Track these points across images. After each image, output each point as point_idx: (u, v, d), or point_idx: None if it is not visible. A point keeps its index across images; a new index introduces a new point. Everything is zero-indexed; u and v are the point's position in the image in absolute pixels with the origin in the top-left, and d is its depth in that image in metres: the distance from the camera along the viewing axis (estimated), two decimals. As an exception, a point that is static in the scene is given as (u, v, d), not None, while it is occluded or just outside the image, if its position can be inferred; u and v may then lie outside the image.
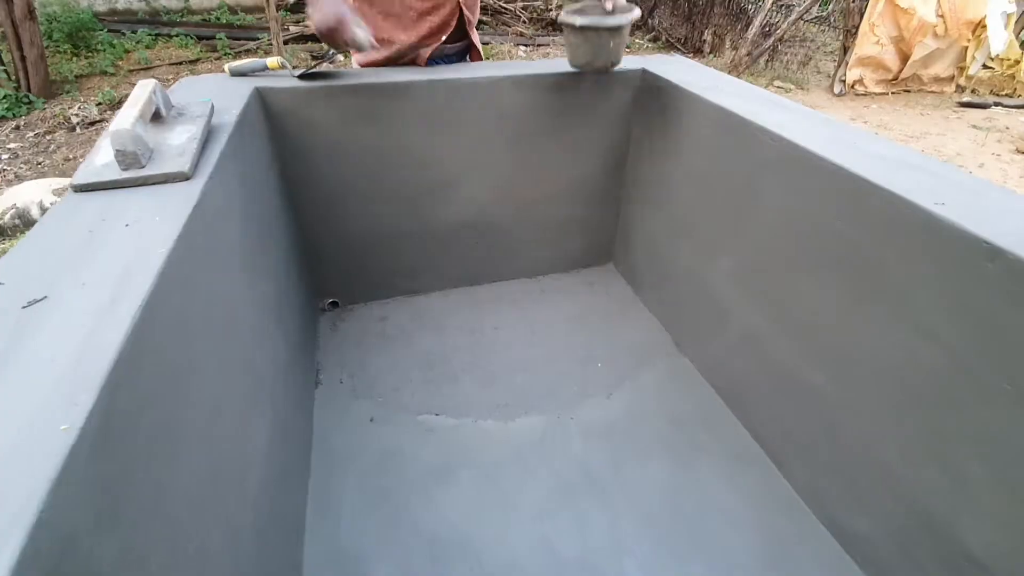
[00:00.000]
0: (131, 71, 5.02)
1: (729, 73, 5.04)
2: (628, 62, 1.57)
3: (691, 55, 5.80)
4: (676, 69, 1.52)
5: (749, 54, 5.02)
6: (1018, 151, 3.99)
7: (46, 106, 4.35)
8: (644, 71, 1.54)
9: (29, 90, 4.30)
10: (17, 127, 4.12)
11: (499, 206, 1.66)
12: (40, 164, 3.71)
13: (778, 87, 4.91)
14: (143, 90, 0.92)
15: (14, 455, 0.41)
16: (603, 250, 1.90)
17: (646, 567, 1.03)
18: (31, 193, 2.74)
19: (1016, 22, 4.76)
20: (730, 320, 1.32)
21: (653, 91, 1.51)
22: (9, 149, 3.85)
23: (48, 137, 4.03)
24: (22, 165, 3.72)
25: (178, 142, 0.91)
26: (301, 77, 1.35)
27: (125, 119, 0.83)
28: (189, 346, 0.66)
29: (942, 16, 4.65)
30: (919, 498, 0.89)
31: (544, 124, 1.55)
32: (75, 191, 0.80)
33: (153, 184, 0.82)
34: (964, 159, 3.89)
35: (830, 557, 1.06)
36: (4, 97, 3.98)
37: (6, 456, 0.41)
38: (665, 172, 1.53)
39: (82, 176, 0.82)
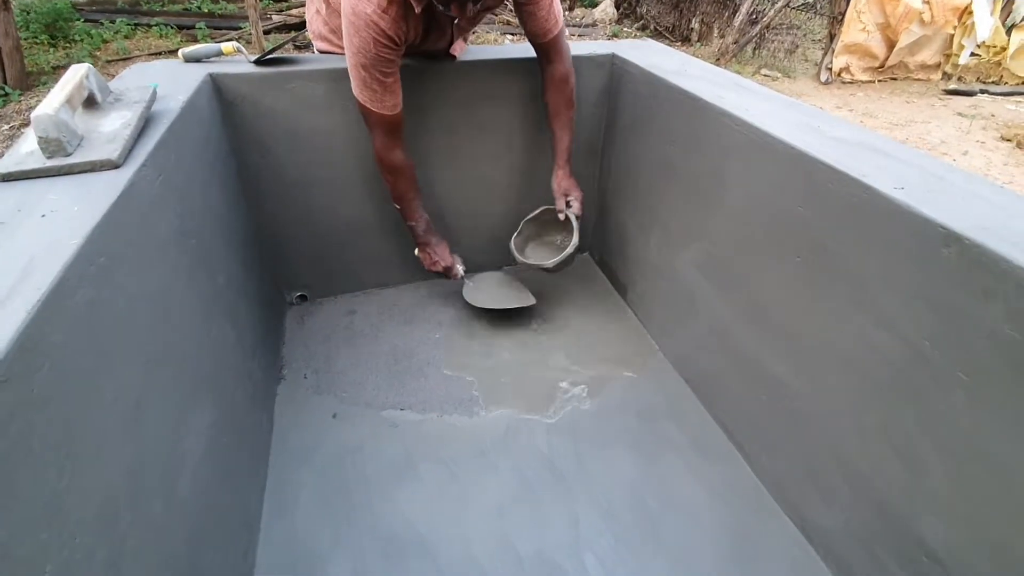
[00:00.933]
0: (109, 61, 4.91)
1: (716, 62, 4.99)
2: (598, 47, 1.54)
3: (678, 44, 5.75)
4: (645, 54, 1.49)
5: (736, 42, 4.97)
6: (1003, 138, 3.98)
7: (22, 98, 4.25)
8: (614, 56, 1.50)
9: (4, 82, 4.20)
10: (-9, 119, 4.03)
11: (469, 195, 1.62)
12: (13, 157, 3.62)
13: (765, 75, 4.87)
14: (74, 74, 0.88)
15: None
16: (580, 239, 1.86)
17: (606, 563, 1.01)
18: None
19: (1002, 8, 4.73)
20: (698, 311, 1.30)
21: (623, 76, 1.48)
22: (-18, 142, 3.76)
23: (23, 130, 3.95)
24: (-5, 158, 3.64)
25: (110, 129, 0.87)
26: (257, 63, 1.31)
27: (49, 104, 0.79)
28: (102, 343, 0.63)
29: (928, 2, 4.61)
30: (879, 492, 0.87)
31: (514, 110, 1.51)
32: (-4, 180, 0.77)
33: (79, 173, 0.78)
34: (949, 147, 3.87)
35: (795, 551, 1.04)
36: (-23, 89, 3.89)
37: None
38: (634, 159, 1.49)
39: (4, 165, 0.78)
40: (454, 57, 1.39)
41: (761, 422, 1.14)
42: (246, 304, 1.24)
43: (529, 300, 1.57)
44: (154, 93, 1.00)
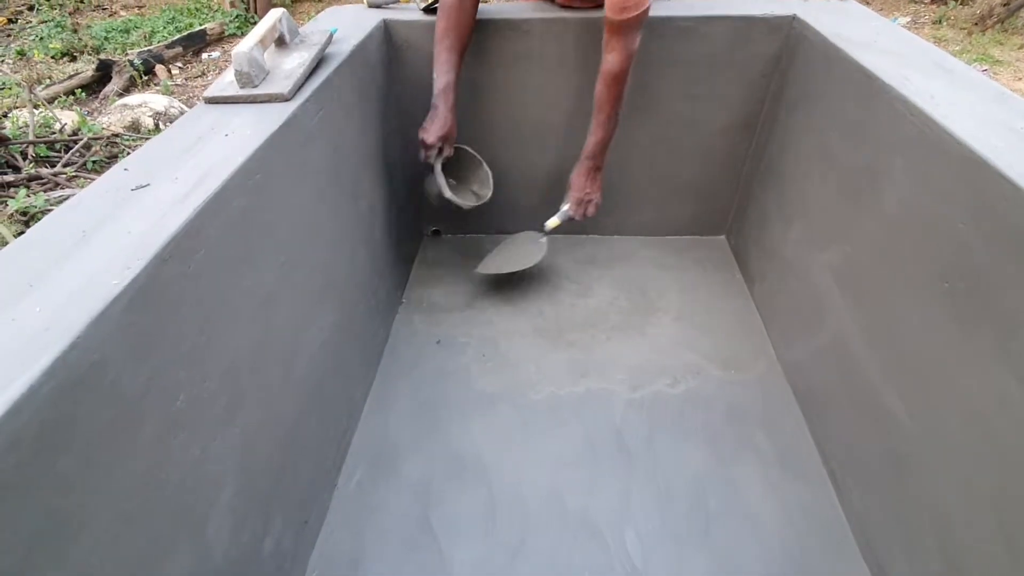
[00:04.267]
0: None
1: (974, 27, 4.01)
2: (777, 6, 1.37)
3: (928, 1, 4.70)
4: (837, 19, 1.28)
5: (1007, 4, 3.91)
6: None
7: (268, 27, 5.06)
8: (794, 19, 1.33)
9: (256, 11, 5.03)
10: (245, 44, 4.88)
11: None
12: (255, 78, 4.38)
13: (1038, 50, 3.79)
14: (270, 18, 1.06)
15: (71, 297, 0.55)
16: (717, 220, 1.75)
17: (645, 542, 1.02)
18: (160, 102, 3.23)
19: None
20: (824, 320, 1.16)
21: (800, 44, 1.31)
22: (236, 63, 4.59)
23: (265, 54, 4.72)
24: (243, 77, 4.43)
25: (289, 66, 1.03)
26: (425, 10, 1.42)
27: (246, 43, 0.97)
28: (247, 243, 0.80)
29: None
30: (971, 568, 0.75)
31: (665, 73, 1.43)
32: (205, 102, 0.98)
33: (260, 103, 0.96)
34: None
35: (862, 599, 0.94)
36: (236, 16, 4.72)
37: (65, 298, 0.55)
38: (792, 141, 1.34)
39: (212, 90, 0.98)
40: None
41: (862, 454, 1.02)
42: (383, 230, 1.42)
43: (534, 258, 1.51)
44: (330, 36, 1.16)
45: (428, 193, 1.43)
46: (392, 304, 1.53)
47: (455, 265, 1.71)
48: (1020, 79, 3.41)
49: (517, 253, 1.58)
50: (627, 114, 1.50)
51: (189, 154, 0.81)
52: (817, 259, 1.19)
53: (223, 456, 0.75)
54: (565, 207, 1.45)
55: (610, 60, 1.19)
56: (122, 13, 5.43)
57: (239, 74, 0.96)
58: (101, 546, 0.57)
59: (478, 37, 1.38)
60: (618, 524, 1.06)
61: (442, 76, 1.23)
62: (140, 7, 5.58)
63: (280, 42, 1.09)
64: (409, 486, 1.13)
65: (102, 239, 0.65)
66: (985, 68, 3.48)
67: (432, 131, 1.26)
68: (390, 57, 1.42)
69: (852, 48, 1.12)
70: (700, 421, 1.24)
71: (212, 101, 0.97)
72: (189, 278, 0.68)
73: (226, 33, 4.64)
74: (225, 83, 0.99)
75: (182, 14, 5.03)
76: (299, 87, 1.00)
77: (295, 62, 1.05)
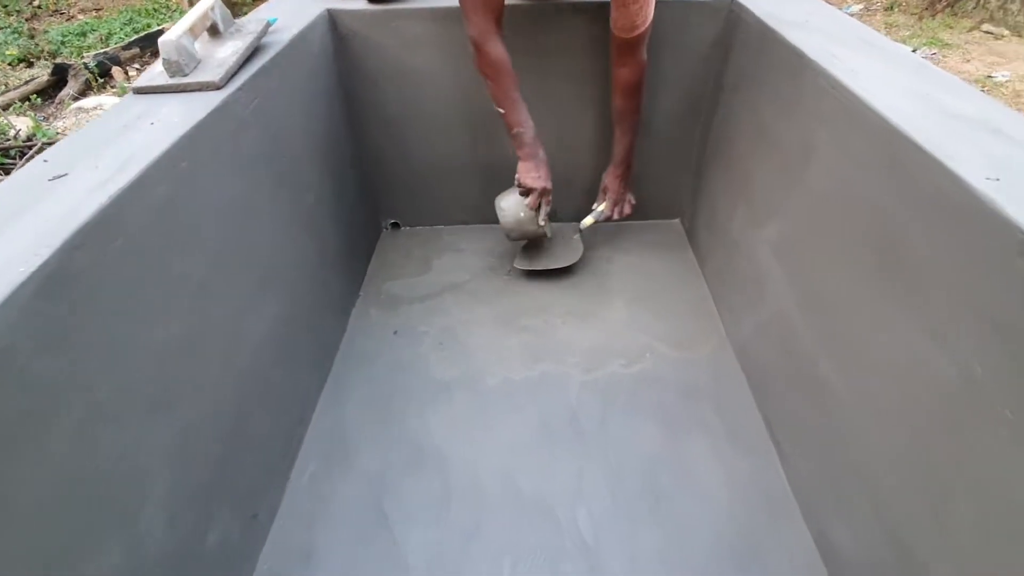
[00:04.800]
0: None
1: (924, 12, 4.13)
2: (718, -9, 1.39)
3: (883, -10, 4.81)
4: (773, 0, 1.31)
5: (956, -11, 4.03)
6: None
7: (230, 27, 4.97)
8: (733, 2, 1.35)
9: (217, 11, 4.94)
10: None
11: (558, 145, 1.61)
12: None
13: (986, 32, 3.91)
14: (202, 6, 1.04)
15: (-24, 283, 0.54)
16: (670, 204, 1.77)
17: (597, 521, 1.04)
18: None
19: None
20: (766, 296, 1.19)
21: (738, 26, 1.33)
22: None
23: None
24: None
25: (222, 55, 1.02)
26: (370, 0, 1.41)
27: (174, 31, 0.96)
28: (174, 230, 0.78)
29: None
30: (898, 526, 0.77)
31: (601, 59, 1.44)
32: (134, 92, 0.96)
33: (190, 91, 0.95)
34: None
35: (804, 562, 0.97)
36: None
37: (-29, 283, 0.54)
38: (733, 123, 1.36)
39: (141, 80, 0.97)
40: None
41: (802, 423, 1.05)
42: (334, 223, 1.41)
43: (573, 258, 1.59)
44: (267, 25, 1.15)
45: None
46: (348, 297, 1.52)
47: (414, 257, 1.70)
48: (968, 61, 3.52)
49: (555, 251, 1.62)
50: (578, 102, 1.53)
51: (113, 143, 0.80)
52: (758, 236, 1.22)
53: (155, 448, 0.74)
54: (600, 207, 1.54)
55: (625, 74, 1.28)
56: (80, 16, 5.28)
57: (167, 63, 0.94)
58: (20, 537, 0.56)
59: (419, 25, 1.38)
60: (571, 504, 1.07)
61: (527, 126, 1.29)
62: (98, 10, 5.44)
63: (213, 31, 1.07)
64: (364, 477, 1.13)
65: (15, 230, 0.63)
66: (933, 52, 3.58)
67: (545, 176, 1.34)
68: (336, 47, 1.41)
69: (785, 28, 1.14)
70: (653, 401, 1.26)
71: (141, 91, 0.95)
72: (107, 266, 0.67)
73: (185, 33, 4.55)
74: (155, 73, 0.98)
75: (140, 15, 4.91)
76: (231, 75, 0.99)
77: (228, 51, 1.03)
